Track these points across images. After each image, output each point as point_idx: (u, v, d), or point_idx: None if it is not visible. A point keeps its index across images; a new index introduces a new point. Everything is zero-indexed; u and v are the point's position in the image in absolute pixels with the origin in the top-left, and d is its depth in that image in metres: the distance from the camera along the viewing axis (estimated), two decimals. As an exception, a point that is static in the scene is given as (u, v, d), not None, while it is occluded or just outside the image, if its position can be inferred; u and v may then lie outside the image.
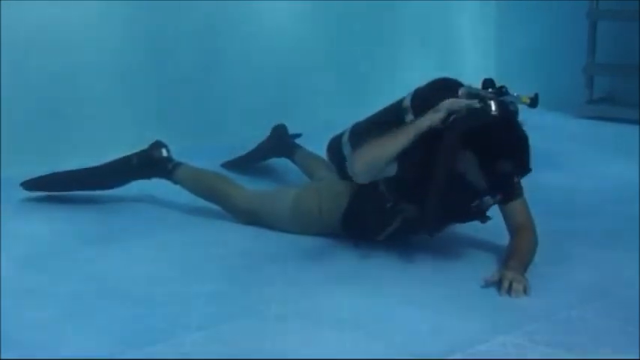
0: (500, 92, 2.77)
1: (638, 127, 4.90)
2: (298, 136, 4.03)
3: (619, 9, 5.32)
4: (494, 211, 2.98)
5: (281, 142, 4.01)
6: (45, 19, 4.09)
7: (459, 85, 2.87)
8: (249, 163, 4.07)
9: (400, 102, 3.03)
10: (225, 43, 4.72)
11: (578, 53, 5.37)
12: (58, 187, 3.66)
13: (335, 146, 3.26)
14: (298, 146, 3.91)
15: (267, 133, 4.09)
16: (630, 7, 5.22)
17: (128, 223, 3.42)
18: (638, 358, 2.28)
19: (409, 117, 2.95)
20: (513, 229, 2.95)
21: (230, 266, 2.96)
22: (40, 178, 3.64)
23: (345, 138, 3.21)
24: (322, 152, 3.48)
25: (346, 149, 3.18)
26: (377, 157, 2.82)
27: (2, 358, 2.27)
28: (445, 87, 2.89)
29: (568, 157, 4.42)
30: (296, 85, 5.00)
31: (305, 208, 3.20)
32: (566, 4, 5.49)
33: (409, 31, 5.44)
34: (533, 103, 2.76)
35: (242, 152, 4.09)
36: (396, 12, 5.36)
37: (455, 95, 2.81)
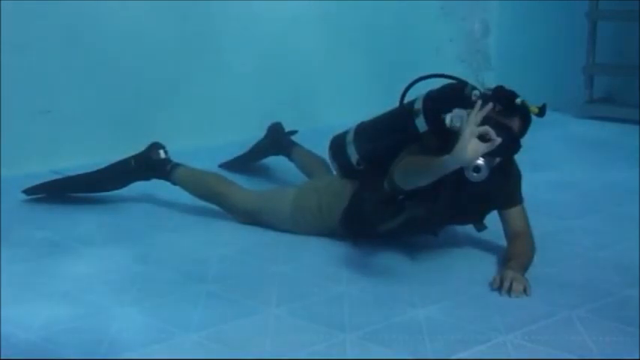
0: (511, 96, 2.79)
1: (638, 127, 4.90)
2: (294, 133, 4.04)
3: (619, 9, 5.31)
4: (492, 215, 2.99)
5: (278, 140, 4.01)
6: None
7: (471, 88, 2.86)
8: (247, 163, 4.08)
9: (411, 104, 3.02)
10: (227, 42, 4.72)
11: (578, 53, 5.37)
12: (58, 192, 3.68)
13: (338, 145, 3.25)
14: (295, 144, 3.92)
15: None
16: (630, 7, 5.22)
17: (128, 223, 3.42)
18: (638, 358, 2.29)
19: (420, 120, 2.95)
20: (511, 236, 2.95)
21: (230, 266, 2.96)
22: (41, 184, 3.66)
23: (350, 137, 3.20)
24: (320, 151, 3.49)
25: (350, 149, 3.18)
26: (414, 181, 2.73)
27: (2, 358, 2.27)
28: (457, 91, 2.88)
29: (568, 157, 4.42)
30: (297, 85, 5.01)
31: (305, 207, 3.20)
32: (566, 4, 5.48)
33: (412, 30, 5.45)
34: (541, 112, 2.79)
35: (240, 152, 4.09)
36: (401, 12, 5.36)
37: (466, 98, 2.80)
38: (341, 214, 3.12)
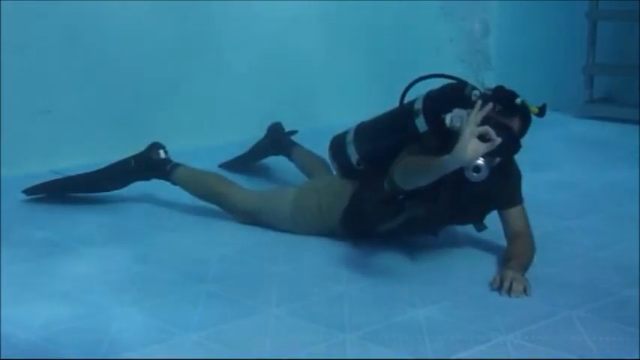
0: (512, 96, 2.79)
1: (638, 127, 4.90)
2: (294, 133, 4.04)
3: (619, 9, 5.31)
4: (492, 215, 2.99)
5: (278, 140, 4.01)
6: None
7: (471, 88, 2.86)
8: (247, 163, 4.08)
9: (411, 104, 3.02)
10: (227, 42, 4.72)
11: (578, 53, 5.37)
12: (58, 192, 3.68)
13: (338, 145, 3.25)
14: (295, 144, 3.92)
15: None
16: (630, 7, 5.22)
17: (128, 223, 3.42)
18: (638, 358, 2.29)
19: (420, 120, 2.96)
20: (511, 236, 2.95)
21: (230, 266, 2.96)
22: (41, 184, 3.66)
23: (350, 137, 3.20)
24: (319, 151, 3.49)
25: (350, 149, 3.18)
26: (413, 181, 2.73)
27: (2, 358, 2.27)
28: (457, 91, 2.88)
29: (568, 157, 4.42)
30: (297, 85, 5.00)
31: (305, 207, 3.20)
32: (566, 4, 5.48)
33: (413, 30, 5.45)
34: (542, 112, 2.80)
35: (240, 152, 4.09)
36: (401, 12, 5.36)
37: (466, 98, 2.80)
38: (341, 214, 3.12)
